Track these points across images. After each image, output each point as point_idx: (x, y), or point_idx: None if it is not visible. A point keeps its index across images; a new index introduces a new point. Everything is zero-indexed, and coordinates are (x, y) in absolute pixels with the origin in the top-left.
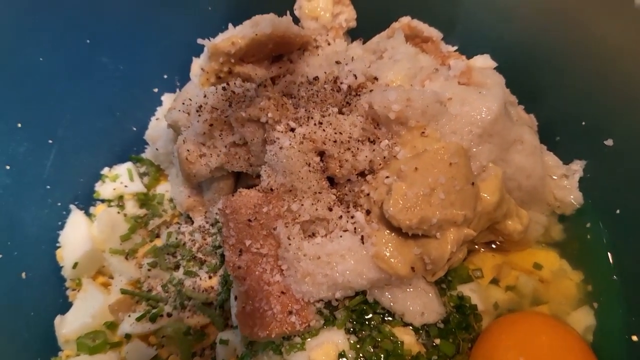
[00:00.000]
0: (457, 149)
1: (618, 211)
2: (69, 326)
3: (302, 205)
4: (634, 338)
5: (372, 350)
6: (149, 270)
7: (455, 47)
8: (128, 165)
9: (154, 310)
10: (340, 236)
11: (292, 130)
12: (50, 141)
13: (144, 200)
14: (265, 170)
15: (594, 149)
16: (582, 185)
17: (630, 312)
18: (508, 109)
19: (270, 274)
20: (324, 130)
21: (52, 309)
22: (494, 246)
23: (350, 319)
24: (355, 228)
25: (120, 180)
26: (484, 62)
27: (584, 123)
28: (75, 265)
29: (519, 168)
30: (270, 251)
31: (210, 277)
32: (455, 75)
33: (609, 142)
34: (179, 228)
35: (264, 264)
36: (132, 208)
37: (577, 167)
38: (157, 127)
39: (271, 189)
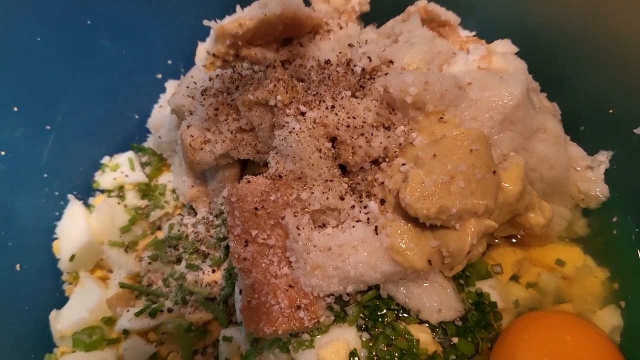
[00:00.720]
0: (478, 135)
1: None
2: (64, 321)
3: (312, 193)
4: None
5: (385, 348)
6: (149, 263)
7: (474, 33)
8: (129, 154)
9: (154, 306)
10: (353, 227)
11: (303, 114)
12: (48, 127)
13: (146, 190)
14: (273, 156)
15: (621, 138)
16: (608, 177)
17: None
18: (530, 96)
19: (278, 266)
20: (336, 114)
21: (47, 303)
22: (514, 240)
23: (363, 315)
24: (368, 218)
25: (120, 169)
26: (504, 47)
27: (611, 111)
28: (72, 258)
29: (541, 158)
30: (277, 242)
31: (213, 271)
32: (474, 60)
33: (638, 130)
34: (181, 220)
35: (271, 256)
36: (132, 199)
37: (603, 158)
38: (160, 114)
39: (279, 176)
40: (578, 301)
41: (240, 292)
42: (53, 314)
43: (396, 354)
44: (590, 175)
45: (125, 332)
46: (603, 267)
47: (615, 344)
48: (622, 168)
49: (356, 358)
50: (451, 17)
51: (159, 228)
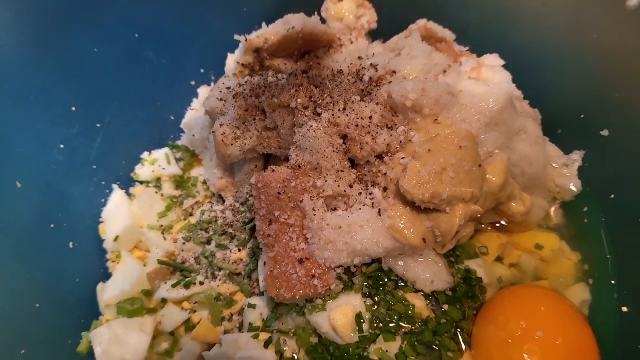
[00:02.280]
0: (466, 134)
1: (612, 196)
2: (109, 293)
3: (326, 181)
4: (624, 309)
5: (385, 312)
6: (183, 244)
7: (467, 48)
8: (166, 150)
9: (187, 279)
10: (360, 209)
11: (319, 115)
12: (98, 125)
13: (180, 182)
14: (294, 150)
15: (591, 140)
16: (581, 174)
17: (622, 286)
18: (514, 102)
19: (297, 242)
20: (347, 115)
21: (94, 278)
22: (499, 226)
23: (367, 284)
24: (373, 203)
25: (158, 163)
26: (493, 60)
27: (582, 116)
28: (116, 239)
29: (523, 156)
30: (296, 222)
31: (239, 250)
32: (466, 71)
33: (605, 133)
34: (211, 207)
35: (290, 233)
36: (168, 189)
37: (577, 157)
38: (193, 116)
39: (299, 166)
40: (553, 279)
41: (265, 264)
42: (100, 287)
43: (395, 317)
44: (565, 171)
45: (164, 301)
46: (576, 251)
47: (583, 315)
48: (592, 165)
49: (361, 320)
50: (447, 34)
51: (191, 214)
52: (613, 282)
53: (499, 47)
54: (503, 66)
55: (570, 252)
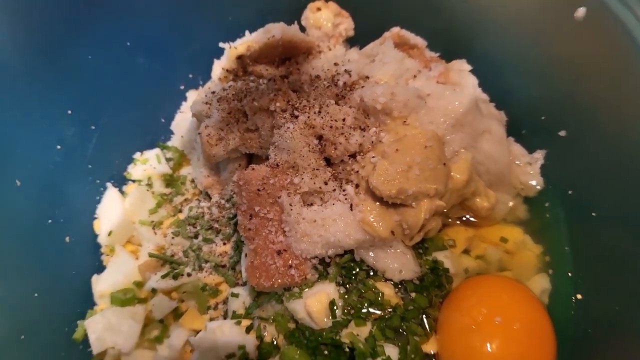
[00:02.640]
0: (432, 135)
1: (570, 192)
2: (103, 284)
3: (303, 179)
4: (578, 296)
5: (357, 299)
6: (172, 238)
7: (438, 54)
8: (156, 151)
9: (176, 270)
10: (333, 204)
11: (296, 117)
12: (93, 127)
13: (169, 180)
14: (272, 150)
15: (551, 140)
16: (543, 171)
17: (577, 276)
18: (479, 105)
19: (275, 235)
20: (322, 117)
21: (89, 270)
22: (466, 220)
23: (340, 274)
24: (345, 198)
25: (149, 163)
26: (460, 65)
27: (543, 118)
28: (110, 234)
29: (487, 155)
30: (275, 216)
31: (224, 244)
32: (434, 76)
33: (562, 133)
34: (198, 203)
35: (270, 227)
36: (159, 187)
37: (539, 155)
38: (181, 119)
39: (277, 165)
40: (516, 270)
41: (246, 255)
42: (94, 278)
43: (365, 304)
44: (529, 169)
45: (153, 291)
46: (538, 244)
47: (542, 302)
48: (553, 164)
49: (335, 306)
50: (419, 41)
51: (180, 211)
52: (570, 272)
53: (467, 53)
54: (470, 71)
55: (532, 245)
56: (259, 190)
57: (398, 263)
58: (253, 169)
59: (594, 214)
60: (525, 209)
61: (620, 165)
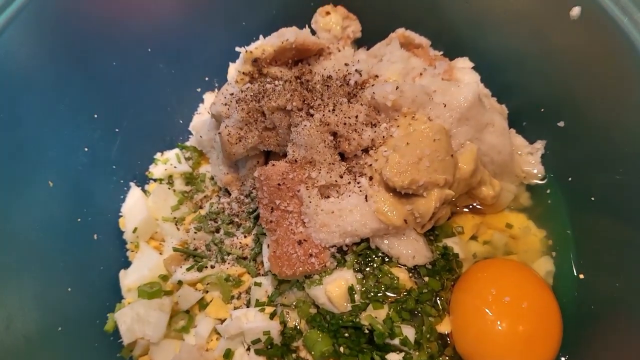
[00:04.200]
0: (439, 129)
1: (570, 179)
2: (130, 278)
3: (320, 173)
4: (581, 276)
5: (373, 284)
6: (195, 233)
7: (441, 52)
8: (176, 151)
9: (200, 263)
10: (349, 196)
11: (311, 115)
12: (117, 130)
13: (190, 178)
14: (290, 147)
15: (550, 130)
16: (544, 160)
17: (579, 257)
18: (482, 99)
19: (295, 226)
20: (336, 115)
21: (116, 265)
22: (473, 208)
23: (357, 261)
24: (360, 190)
25: (170, 162)
26: (463, 63)
27: (542, 110)
28: (134, 230)
29: (491, 146)
30: (295, 208)
31: (245, 237)
32: (439, 73)
33: (561, 124)
34: (219, 199)
35: (290, 218)
36: (179, 185)
37: (540, 145)
38: (199, 120)
39: (295, 161)
40: (522, 253)
41: (268, 246)
42: (122, 273)
43: (382, 288)
44: (530, 159)
45: (179, 283)
46: (541, 229)
47: (547, 283)
48: (553, 153)
49: (353, 291)
50: (423, 40)
51: (201, 207)
52: (572, 254)
53: (469, 51)
54: (472, 68)
55: (536, 230)
56: (279, 184)
57: (411, 249)
58: (273, 165)
59: (592, 199)
60: (528, 196)
61: (615, 152)
